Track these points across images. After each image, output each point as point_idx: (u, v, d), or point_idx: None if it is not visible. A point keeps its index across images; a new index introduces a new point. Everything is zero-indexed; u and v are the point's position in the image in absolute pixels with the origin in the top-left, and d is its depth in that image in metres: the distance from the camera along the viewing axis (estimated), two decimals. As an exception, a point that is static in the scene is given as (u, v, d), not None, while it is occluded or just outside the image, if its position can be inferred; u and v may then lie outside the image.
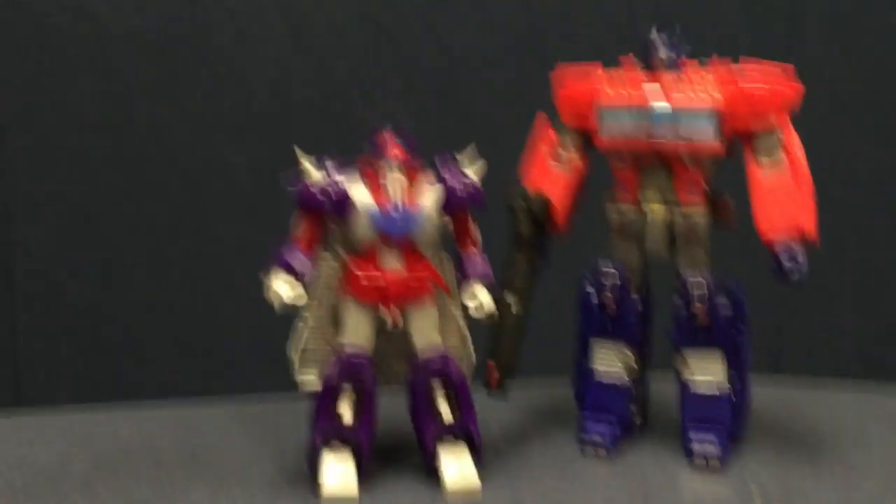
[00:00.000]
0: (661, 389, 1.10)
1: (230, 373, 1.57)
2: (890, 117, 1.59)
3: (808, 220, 0.93)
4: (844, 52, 1.58)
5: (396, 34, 1.54)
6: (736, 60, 0.97)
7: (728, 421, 1.00)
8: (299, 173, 0.91)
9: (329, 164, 0.91)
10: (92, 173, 1.52)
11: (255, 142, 1.54)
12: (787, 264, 0.92)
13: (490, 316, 0.94)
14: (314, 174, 0.91)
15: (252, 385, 1.27)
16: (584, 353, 1.05)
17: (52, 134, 1.50)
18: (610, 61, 1.00)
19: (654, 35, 0.97)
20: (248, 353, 1.55)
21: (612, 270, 1.01)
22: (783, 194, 0.94)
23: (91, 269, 1.54)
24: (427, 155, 0.94)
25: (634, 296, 1.02)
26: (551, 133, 1.03)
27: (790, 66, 0.96)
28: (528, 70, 1.48)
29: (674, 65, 0.97)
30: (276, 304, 0.90)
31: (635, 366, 1.03)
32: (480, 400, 0.98)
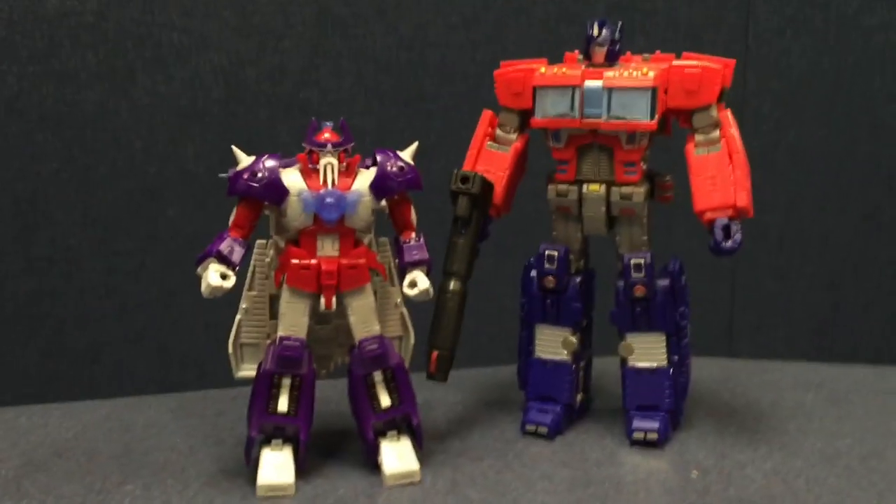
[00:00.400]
0: (604, 370, 1.11)
1: (179, 368, 1.55)
2: (840, 101, 1.59)
3: (743, 197, 0.93)
4: (798, 42, 1.59)
5: (349, 22, 1.52)
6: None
7: (669, 402, 1.00)
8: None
9: (264, 155, 0.90)
10: (36, 164, 1.48)
11: (205, 130, 1.51)
12: (723, 242, 0.92)
13: (427, 293, 0.93)
14: (244, 160, 0.90)
15: (203, 380, 1.25)
16: (528, 338, 1.04)
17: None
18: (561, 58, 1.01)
19: (594, 30, 0.96)
20: (199, 347, 1.53)
21: (553, 252, 1.01)
22: (719, 173, 0.94)
23: (34, 264, 1.51)
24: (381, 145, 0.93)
25: (575, 275, 1.02)
26: (490, 115, 1.03)
27: (731, 60, 0.97)
28: (483, 60, 1.47)
29: (614, 58, 0.97)
30: (205, 291, 0.88)
31: (579, 349, 1.03)
32: (426, 386, 0.97)
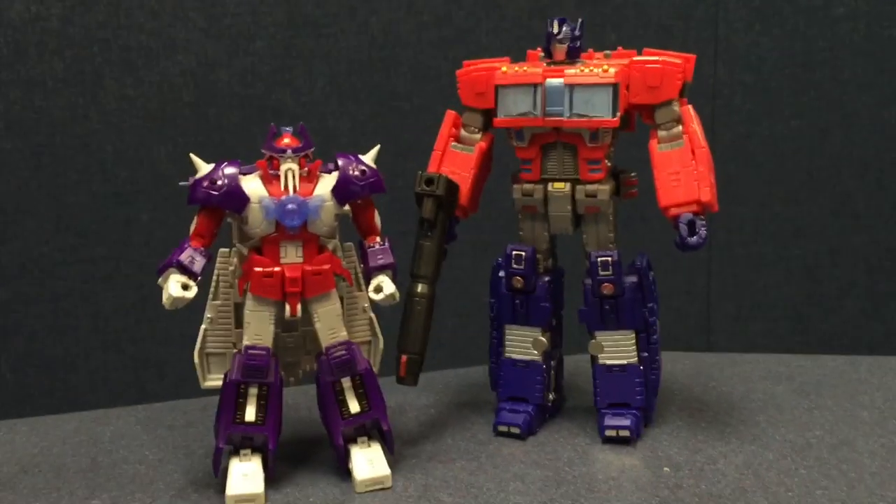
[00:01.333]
0: (577, 368, 1.10)
1: (156, 377, 1.54)
2: (814, 92, 1.59)
3: (706, 192, 0.93)
4: (768, 34, 1.58)
5: (321, 22, 1.51)
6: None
7: (641, 399, 1.00)
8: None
9: (224, 162, 0.89)
10: (5, 172, 1.47)
11: (176, 133, 1.50)
12: (688, 238, 0.92)
13: (393, 297, 0.92)
14: (203, 167, 0.89)
15: (178, 389, 1.24)
16: (499, 339, 1.04)
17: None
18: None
19: (554, 27, 0.96)
20: (174, 355, 1.52)
21: (521, 252, 1.00)
22: (682, 168, 0.94)
23: (6, 272, 1.49)
24: (354, 149, 0.92)
25: (543, 275, 1.01)
26: (454, 115, 1.02)
27: (692, 55, 0.97)
28: (456, 57, 1.46)
29: (575, 54, 0.96)
30: (166, 303, 0.87)
31: (549, 348, 1.03)
32: (397, 390, 0.97)
